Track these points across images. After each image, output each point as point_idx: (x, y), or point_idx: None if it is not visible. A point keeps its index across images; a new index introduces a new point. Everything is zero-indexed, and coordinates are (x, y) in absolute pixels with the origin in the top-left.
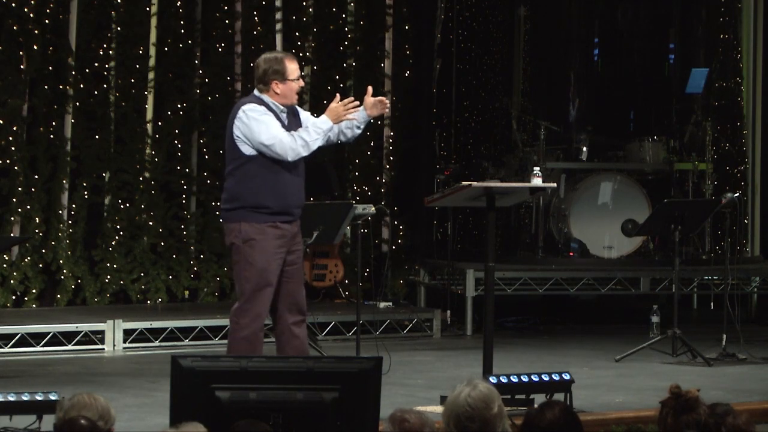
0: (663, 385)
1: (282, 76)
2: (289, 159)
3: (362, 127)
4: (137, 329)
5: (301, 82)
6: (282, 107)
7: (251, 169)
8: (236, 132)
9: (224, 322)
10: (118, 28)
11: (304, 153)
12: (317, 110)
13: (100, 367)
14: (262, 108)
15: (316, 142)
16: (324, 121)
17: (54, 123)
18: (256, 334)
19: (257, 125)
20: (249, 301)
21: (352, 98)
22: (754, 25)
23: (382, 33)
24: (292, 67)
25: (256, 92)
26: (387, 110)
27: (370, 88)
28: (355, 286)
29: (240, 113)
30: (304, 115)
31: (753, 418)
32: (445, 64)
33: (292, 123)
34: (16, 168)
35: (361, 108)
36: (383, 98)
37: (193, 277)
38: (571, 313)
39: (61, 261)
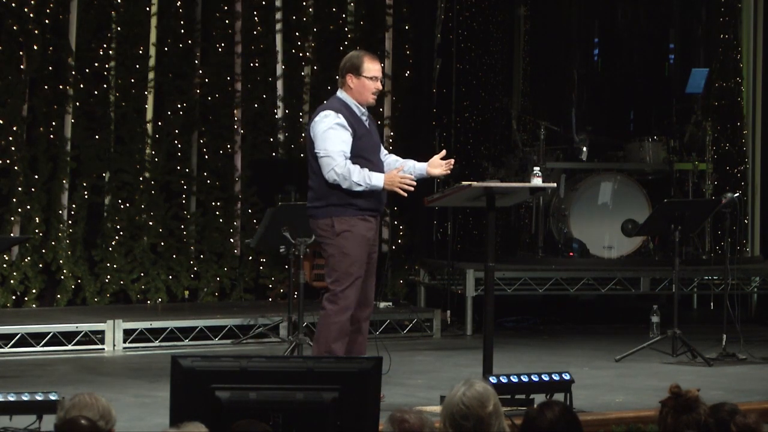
0: (663, 385)
1: (357, 71)
2: (326, 177)
3: (414, 179)
4: (137, 329)
5: (378, 85)
6: (362, 108)
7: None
8: (311, 132)
9: (224, 322)
10: (118, 28)
11: (342, 184)
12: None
13: (100, 367)
14: (341, 119)
15: (357, 186)
16: (377, 180)
17: (54, 123)
18: (346, 322)
19: (323, 135)
20: (342, 288)
21: (412, 175)
22: (754, 25)
23: (382, 33)
24: (369, 66)
25: (338, 91)
26: (448, 172)
27: (444, 152)
28: None
29: (317, 116)
30: (384, 153)
31: (762, 417)
32: (445, 64)
33: (372, 130)
34: (16, 168)
35: (425, 164)
36: (451, 162)
37: (193, 277)
38: (571, 313)
39: (61, 261)
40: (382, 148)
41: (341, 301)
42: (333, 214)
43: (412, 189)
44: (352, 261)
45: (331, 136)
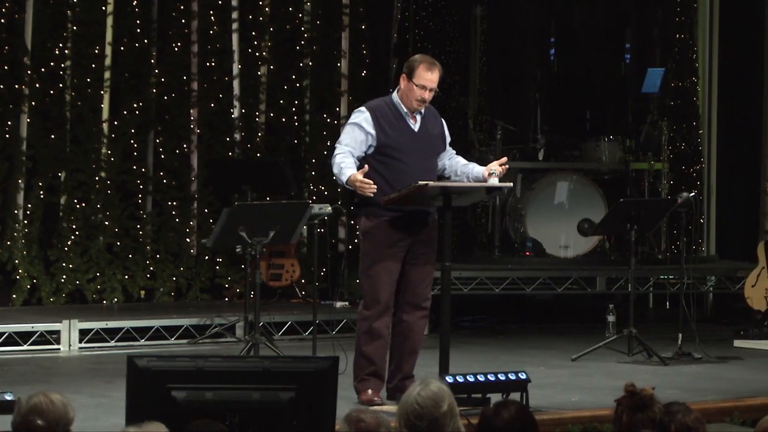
0: (619, 384)
1: (410, 74)
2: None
3: (471, 179)
4: (93, 329)
5: (425, 94)
6: (406, 110)
7: (367, 166)
8: None
9: (180, 322)
10: (74, 28)
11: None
12: (273, 109)
13: (55, 367)
14: (366, 118)
15: (339, 178)
16: (345, 175)
17: (9, 123)
18: (379, 327)
19: (345, 127)
20: (366, 293)
21: (373, 183)
22: (710, 24)
23: (338, 32)
24: (422, 73)
25: (398, 87)
26: (502, 174)
27: (505, 158)
28: (311, 286)
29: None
30: (451, 154)
31: (704, 416)
32: (401, 63)
33: (422, 130)
34: None
35: (483, 168)
36: (506, 168)
37: (149, 277)
38: (527, 313)
39: (16, 261)
40: (449, 149)
41: (365, 307)
42: (362, 212)
43: (371, 195)
44: (372, 262)
45: (347, 130)
